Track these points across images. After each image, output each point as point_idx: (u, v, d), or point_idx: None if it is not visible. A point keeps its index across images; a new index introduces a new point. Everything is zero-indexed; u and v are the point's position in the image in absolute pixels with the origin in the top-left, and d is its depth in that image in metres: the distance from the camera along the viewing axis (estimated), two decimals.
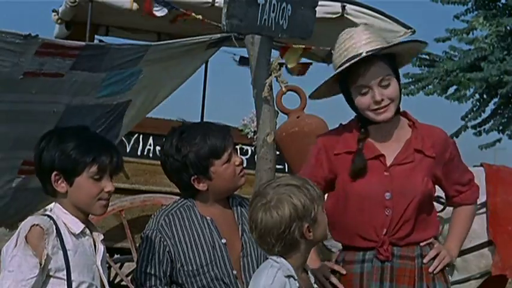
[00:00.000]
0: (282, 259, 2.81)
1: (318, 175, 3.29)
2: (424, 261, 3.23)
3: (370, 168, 3.22)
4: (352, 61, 3.14)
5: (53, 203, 2.99)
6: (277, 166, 5.29)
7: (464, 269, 5.75)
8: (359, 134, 3.28)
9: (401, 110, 3.33)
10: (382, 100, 3.16)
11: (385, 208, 3.19)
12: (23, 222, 2.86)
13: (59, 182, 2.93)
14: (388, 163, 3.24)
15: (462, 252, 5.91)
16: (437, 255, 3.26)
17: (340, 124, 3.42)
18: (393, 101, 3.19)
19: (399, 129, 3.30)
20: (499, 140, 14.24)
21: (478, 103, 14.33)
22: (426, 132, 3.31)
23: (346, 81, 3.25)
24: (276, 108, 4.04)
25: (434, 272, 3.24)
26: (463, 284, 5.21)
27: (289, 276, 2.79)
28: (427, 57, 14.99)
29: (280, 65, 3.94)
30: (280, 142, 4.09)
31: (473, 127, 14.38)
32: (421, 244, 3.26)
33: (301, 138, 4.07)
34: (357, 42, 3.20)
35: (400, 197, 3.18)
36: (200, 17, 5.68)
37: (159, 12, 5.82)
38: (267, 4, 3.58)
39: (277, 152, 4.31)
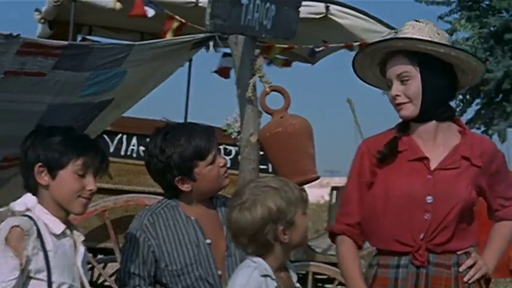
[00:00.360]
0: (260, 259, 2.81)
1: (362, 181, 3.22)
2: (460, 269, 3.10)
3: (412, 170, 3.13)
4: (378, 40, 3.25)
5: (34, 202, 2.96)
6: (261, 166, 5.30)
7: None
8: (405, 134, 3.20)
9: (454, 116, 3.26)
10: (398, 96, 3.11)
11: (425, 212, 3.07)
12: (2, 223, 2.84)
13: (42, 174, 2.91)
14: (433, 167, 3.13)
15: None
16: (474, 264, 3.12)
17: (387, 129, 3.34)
18: (411, 100, 3.11)
19: (447, 134, 3.18)
20: None
21: (461, 103, 14.39)
22: (476, 141, 3.21)
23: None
24: (260, 108, 4.03)
25: (470, 281, 3.10)
26: None
27: (266, 276, 2.79)
28: None
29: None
30: (264, 142, 4.06)
31: None
32: (458, 253, 3.12)
33: (284, 138, 4.04)
34: (408, 34, 3.15)
35: (441, 202, 3.06)
36: (183, 20, 5.66)
37: (150, 13, 5.80)
38: (251, 4, 3.58)
39: (261, 152, 4.32)
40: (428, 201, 3.06)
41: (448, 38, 3.26)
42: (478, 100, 14.31)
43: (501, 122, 13.46)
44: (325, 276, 6.34)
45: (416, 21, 3.19)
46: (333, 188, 7.73)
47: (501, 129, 13.39)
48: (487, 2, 14.57)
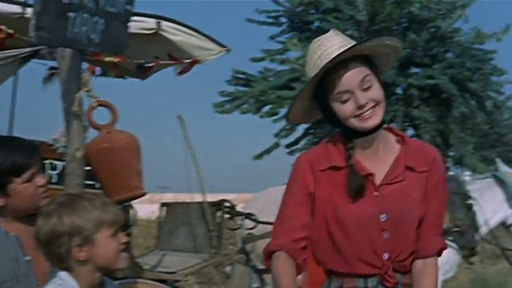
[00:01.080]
0: (66, 275, 2.80)
1: (305, 196, 2.98)
2: None
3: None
4: (323, 64, 2.84)
5: None
6: (89, 182, 5.21)
7: None
8: (345, 148, 2.97)
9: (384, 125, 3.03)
10: (367, 103, 2.85)
11: (382, 231, 2.90)
12: None
13: None
14: (378, 182, 2.93)
15: None
16: None
17: (322, 142, 3.12)
18: (378, 103, 2.88)
19: (386, 145, 2.99)
20: None
21: None
22: (416, 148, 3.00)
23: (325, 94, 2.93)
24: (86, 123, 3.97)
25: None
26: None
27: None
28: (242, 76, 15.25)
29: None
30: (91, 157, 4.00)
31: (286, 146, 14.77)
32: None
33: (112, 153, 3.99)
34: (329, 48, 2.87)
35: (396, 219, 2.89)
36: (11, 31, 5.48)
37: None
38: (78, 17, 3.51)
39: (88, 168, 4.24)
40: (383, 219, 2.90)
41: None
42: None
43: None
44: None
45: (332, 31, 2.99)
46: (163, 204, 7.68)
47: None
48: (317, 24, 15.03)
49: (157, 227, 7.70)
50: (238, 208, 7.03)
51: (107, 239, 2.83)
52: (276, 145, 14.71)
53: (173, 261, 6.56)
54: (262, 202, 6.36)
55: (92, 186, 5.39)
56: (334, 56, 2.82)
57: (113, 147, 3.96)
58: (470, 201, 6.79)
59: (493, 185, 7.07)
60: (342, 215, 2.89)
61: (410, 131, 14.24)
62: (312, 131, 14.75)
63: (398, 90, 14.21)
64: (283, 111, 14.45)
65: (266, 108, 14.74)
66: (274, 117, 14.46)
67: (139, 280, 5.82)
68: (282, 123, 14.55)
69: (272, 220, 6.16)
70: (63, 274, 2.82)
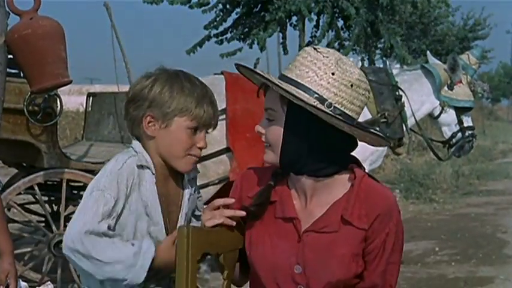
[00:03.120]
0: (140, 146, 2.58)
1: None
2: None
3: (279, 231, 2.45)
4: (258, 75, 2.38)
5: None
6: (12, 70, 5.08)
7: (203, 175, 5.87)
8: (283, 183, 2.51)
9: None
10: (261, 133, 2.43)
11: (297, 285, 2.41)
12: None
13: None
14: (303, 228, 2.42)
15: (202, 158, 6.06)
16: None
17: None
18: (270, 145, 2.41)
19: (330, 189, 2.44)
20: (239, 49, 14.55)
21: (221, 13, 14.52)
22: (367, 195, 2.40)
23: None
24: (7, 9, 3.83)
25: None
26: (202, 190, 5.30)
27: (143, 167, 2.56)
28: None
29: None
30: (12, 45, 3.87)
31: (216, 36, 14.59)
32: None
33: (34, 40, 3.86)
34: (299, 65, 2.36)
35: (313, 274, 2.40)
36: None
37: None
38: None
39: (10, 56, 4.11)
40: (297, 271, 2.41)
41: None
42: (238, 9, 14.50)
43: (260, 32, 13.77)
44: (81, 184, 6.25)
45: (314, 48, 2.38)
46: (89, 95, 7.56)
47: (260, 38, 13.71)
48: None
49: (84, 118, 7.61)
50: None
51: (182, 129, 2.56)
52: (208, 37, 14.53)
53: (100, 152, 6.51)
54: None
55: (16, 75, 5.27)
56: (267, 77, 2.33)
57: (36, 33, 3.84)
58: (398, 93, 6.84)
59: (421, 76, 7.13)
60: (255, 258, 2.49)
61: (340, 22, 14.22)
62: (242, 21, 14.58)
63: None
64: (212, 2, 14.26)
65: None
66: (204, 8, 14.24)
67: (66, 170, 5.78)
68: (212, 14, 14.36)
69: None
70: (137, 145, 2.59)
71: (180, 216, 2.65)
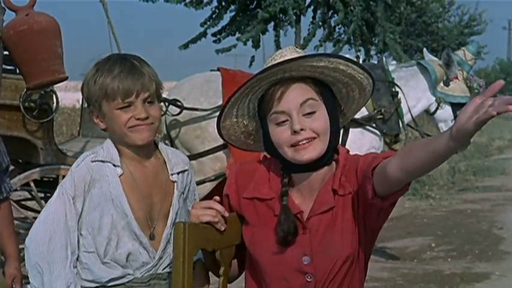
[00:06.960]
0: (110, 142, 2.68)
1: (226, 204, 2.55)
2: None
3: None
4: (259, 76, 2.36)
5: None
6: (8, 67, 5.06)
7: (200, 172, 5.87)
8: (280, 179, 2.50)
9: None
10: (302, 130, 2.35)
11: (305, 274, 2.42)
12: None
13: None
14: (305, 218, 2.44)
15: (199, 155, 6.06)
16: None
17: (264, 156, 2.58)
18: (318, 136, 2.37)
19: (323, 172, 2.46)
20: (234, 46, 14.55)
21: (217, 10, 14.52)
22: (350, 162, 2.45)
23: (264, 114, 2.45)
24: (3, 5, 3.82)
25: None
26: (199, 186, 5.31)
27: (103, 162, 2.62)
28: None
29: None
30: (8, 41, 3.87)
31: (213, 34, 14.59)
32: None
33: (30, 36, 3.86)
34: (277, 61, 2.39)
35: (320, 259, 2.42)
36: None
37: None
38: None
39: (6, 52, 4.10)
40: (305, 262, 2.42)
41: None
42: (232, 7, 14.51)
43: (254, 29, 13.76)
44: None
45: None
46: None
47: (254, 36, 13.71)
48: None
49: (80, 115, 7.59)
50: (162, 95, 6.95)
51: (112, 111, 2.59)
52: (204, 34, 14.52)
53: None
54: (188, 88, 6.30)
55: (12, 71, 5.26)
56: (268, 66, 2.36)
57: (32, 29, 3.84)
58: (395, 89, 6.84)
59: (417, 73, 7.12)
60: (260, 258, 2.48)
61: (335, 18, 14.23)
62: (238, 18, 14.57)
63: None
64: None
65: None
66: (198, 6, 14.23)
67: (63, 166, 5.77)
68: (208, 11, 14.36)
69: (198, 105, 6.14)
70: (108, 140, 2.68)
71: (171, 209, 2.68)
